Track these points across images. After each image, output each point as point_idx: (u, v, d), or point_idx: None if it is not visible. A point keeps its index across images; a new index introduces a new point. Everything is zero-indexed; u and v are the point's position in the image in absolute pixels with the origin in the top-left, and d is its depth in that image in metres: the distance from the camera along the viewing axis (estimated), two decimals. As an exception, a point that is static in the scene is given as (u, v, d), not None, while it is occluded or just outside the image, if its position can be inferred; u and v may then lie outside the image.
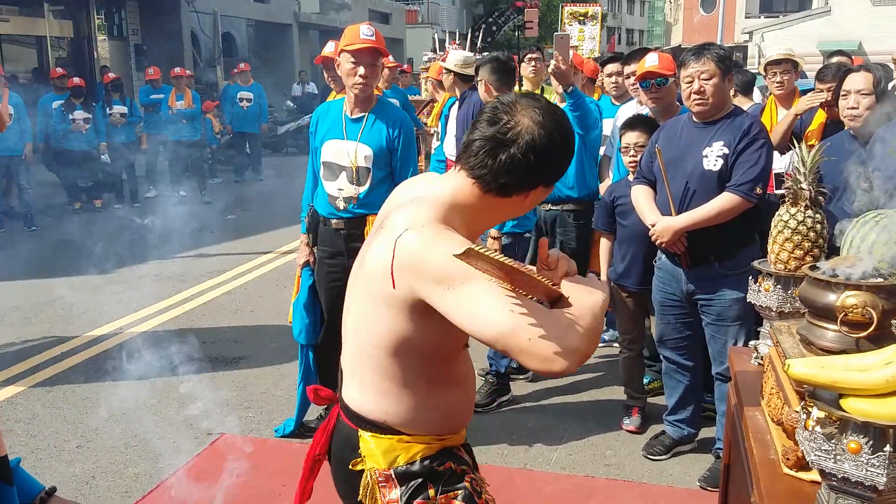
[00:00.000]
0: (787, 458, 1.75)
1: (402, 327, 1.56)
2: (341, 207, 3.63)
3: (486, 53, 7.99)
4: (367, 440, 1.67)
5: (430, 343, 1.59)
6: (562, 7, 17.68)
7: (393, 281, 1.51)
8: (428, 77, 7.64)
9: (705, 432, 3.80)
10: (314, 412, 4.05)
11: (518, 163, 1.54)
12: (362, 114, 3.60)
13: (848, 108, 3.42)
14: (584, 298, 1.48)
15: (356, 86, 3.50)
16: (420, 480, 1.64)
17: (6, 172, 9.34)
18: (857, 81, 3.43)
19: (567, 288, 1.50)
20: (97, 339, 5.45)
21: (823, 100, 4.31)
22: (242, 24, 22.61)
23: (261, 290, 6.79)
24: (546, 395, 4.45)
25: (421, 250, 1.47)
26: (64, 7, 16.14)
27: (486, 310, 1.40)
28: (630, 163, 3.92)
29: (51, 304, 6.30)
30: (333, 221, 3.68)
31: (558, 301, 1.50)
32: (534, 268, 1.55)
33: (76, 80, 10.37)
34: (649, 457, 3.74)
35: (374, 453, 1.66)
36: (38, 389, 4.58)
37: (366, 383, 1.66)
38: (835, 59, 5.69)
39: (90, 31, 16.47)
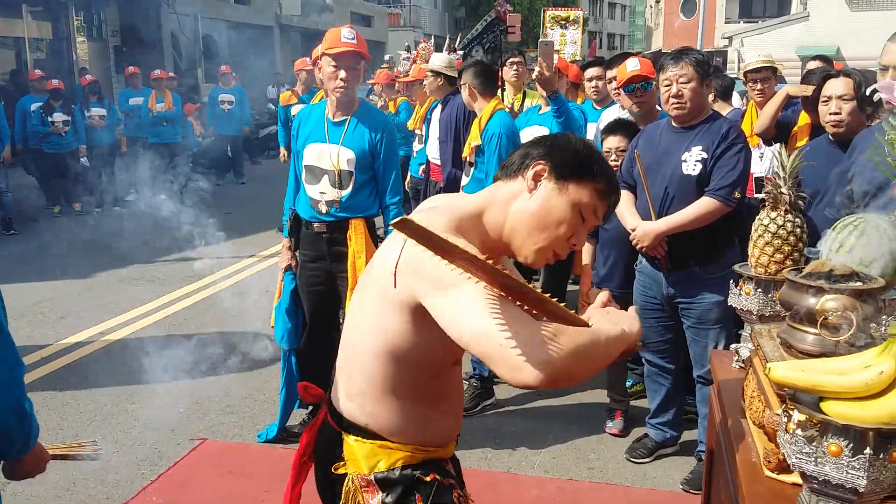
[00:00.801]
0: (769, 461, 1.76)
1: (398, 331, 1.54)
2: (323, 211, 3.62)
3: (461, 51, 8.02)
4: (349, 444, 1.65)
5: (422, 353, 1.57)
6: (543, 11, 17.72)
7: (395, 280, 1.49)
8: (405, 87, 7.63)
9: (687, 435, 3.83)
10: (297, 417, 4.03)
11: (530, 144, 1.66)
12: (344, 117, 3.60)
13: (829, 114, 3.45)
14: (600, 324, 1.44)
15: (337, 89, 3.49)
16: (402, 488, 1.62)
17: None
18: (838, 87, 3.46)
19: (594, 318, 1.46)
20: (78, 343, 5.41)
21: (810, 93, 4.34)
22: (223, 26, 22.47)
23: (243, 294, 6.75)
24: (530, 399, 4.47)
25: (424, 252, 1.44)
26: (42, 8, 15.95)
27: (466, 312, 1.35)
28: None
29: (31, 308, 6.23)
30: (316, 225, 3.67)
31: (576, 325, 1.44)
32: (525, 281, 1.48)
33: (55, 82, 10.28)
34: (632, 460, 3.76)
35: (356, 457, 1.64)
36: (16, 395, 4.53)
37: (353, 386, 1.65)
38: (816, 64, 5.75)
39: (69, 32, 16.32)
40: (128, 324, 5.84)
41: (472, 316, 1.34)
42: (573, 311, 1.44)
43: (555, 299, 1.39)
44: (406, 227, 1.26)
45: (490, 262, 1.30)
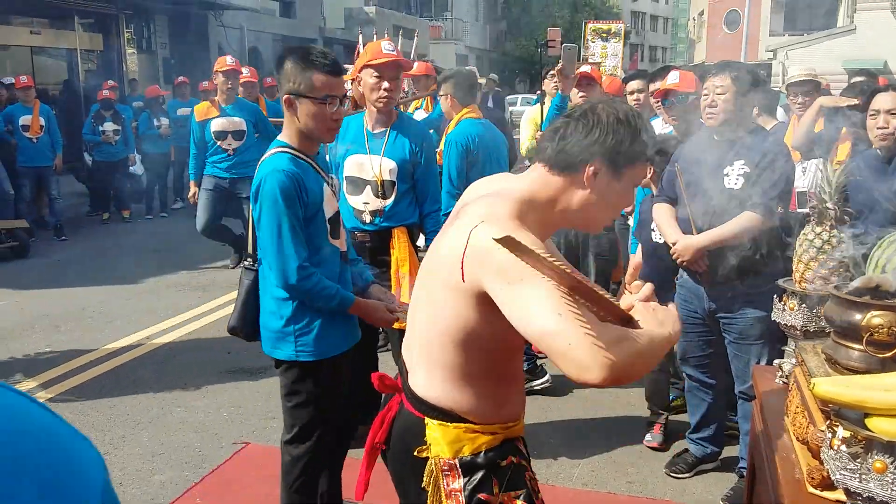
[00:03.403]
0: (812, 478, 1.75)
1: (469, 318, 1.59)
2: (367, 221, 3.68)
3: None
4: (433, 428, 1.69)
5: (495, 337, 1.60)
6: (585, 24, 17.72)
7: (462, 273, 1.53)
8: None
9: (729, 451, 3.79)
10: (337, 424, 4.08)
11: (576, 130, 1.63)
12: (384, 128, 3.65)
13: (878, 128, 3.42)
14: (651, 326, 1.48)
15: (381, 100, 3.55)
16: (483, 473, 1.67)
17: (37, 182, 9.53)
18: (886, 101, 3.43)
19: (640, 312, 1.50)
20: (125, 348, 5.54)
21: (852, 103, 4.30)
22: (269, 38, 22.88)
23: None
24: (569, 411, 4.46)
25: (491, 243, 1.47)
26: (94, 20, 16.42)
27: (535, 308, 1.40)
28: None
29: (80, 312, 6.40)
30: (359, 234, 3.72)
31: (628, 323, 1.49)
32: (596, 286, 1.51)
33: (105, 92, 10.58)
34: (672, 474, 3.73)
35: (440, 442, 1.68)
36: (66, 397, 4.66)
37: (433, 372, 1.69)
38: (860, 79, 5.68)
39: (120, 44, 16.75)
40: (173, 329, 5.97)
41: (543, 312, 1.39)
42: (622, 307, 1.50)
43: (610, 297, 1.45)
44: (509, 244, 1.32)
45: (568, 270, 1.37)
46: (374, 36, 6.61)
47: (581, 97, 4.96)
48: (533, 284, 1.41)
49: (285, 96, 2.58)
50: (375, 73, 3.52)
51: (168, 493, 3.56)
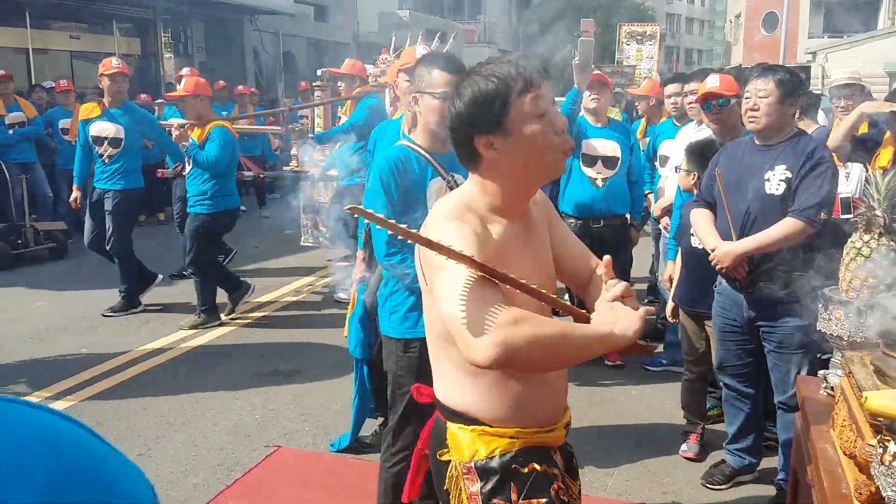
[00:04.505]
0: (860, 493, 1.69)
1: None
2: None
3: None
4: (453, 432, 1.72)
5: None
6: (619, 26, 17.57)
7: (424, 278, 1.66)
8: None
9: (767, 462, 3.71)
10: (369, 427, 4.07)
11: (452, 134, 1.67)
12: None
13: None
14: (599, 322, 1.51)
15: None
16: (499, 478, 1.65)
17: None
18: None
19: (598, 307, 1.54)
20: (159, 349, 5.59)
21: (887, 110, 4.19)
22: (303, 42, 23.08)
23: (317, 304, 6.87)
24: (602, 419, 4.40)
25: (425, 244, 1.58)
26: (132, 25, 16.71)
27: (444, 294, 1.48)
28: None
29: (114, 314, 6.46)
30: (390, 238, 3.73)
31: (566, 311, 1.57)
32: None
33: (143, 97, 10.71)
34: (709, 486, 3.65)
35: (459, 445, 1.71)
36: (101, 398, 4.70)
37: (445, 375, 1.74)
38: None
39: (157, 48, 17.01)
40: (206, 331, 6.00)
41: (447, 298, 1.46)
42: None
43: (534, 286, 1.50)
44: (362, 213, 1.46)
45: (462, 252, 1.43)
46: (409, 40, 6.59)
47: (593, 99, 4.92)
48: (444, 273, 1.48)
49: (413, 95, 2.84)
50: (408, 79, 3.52)
51: (201, 495, 3.57)
